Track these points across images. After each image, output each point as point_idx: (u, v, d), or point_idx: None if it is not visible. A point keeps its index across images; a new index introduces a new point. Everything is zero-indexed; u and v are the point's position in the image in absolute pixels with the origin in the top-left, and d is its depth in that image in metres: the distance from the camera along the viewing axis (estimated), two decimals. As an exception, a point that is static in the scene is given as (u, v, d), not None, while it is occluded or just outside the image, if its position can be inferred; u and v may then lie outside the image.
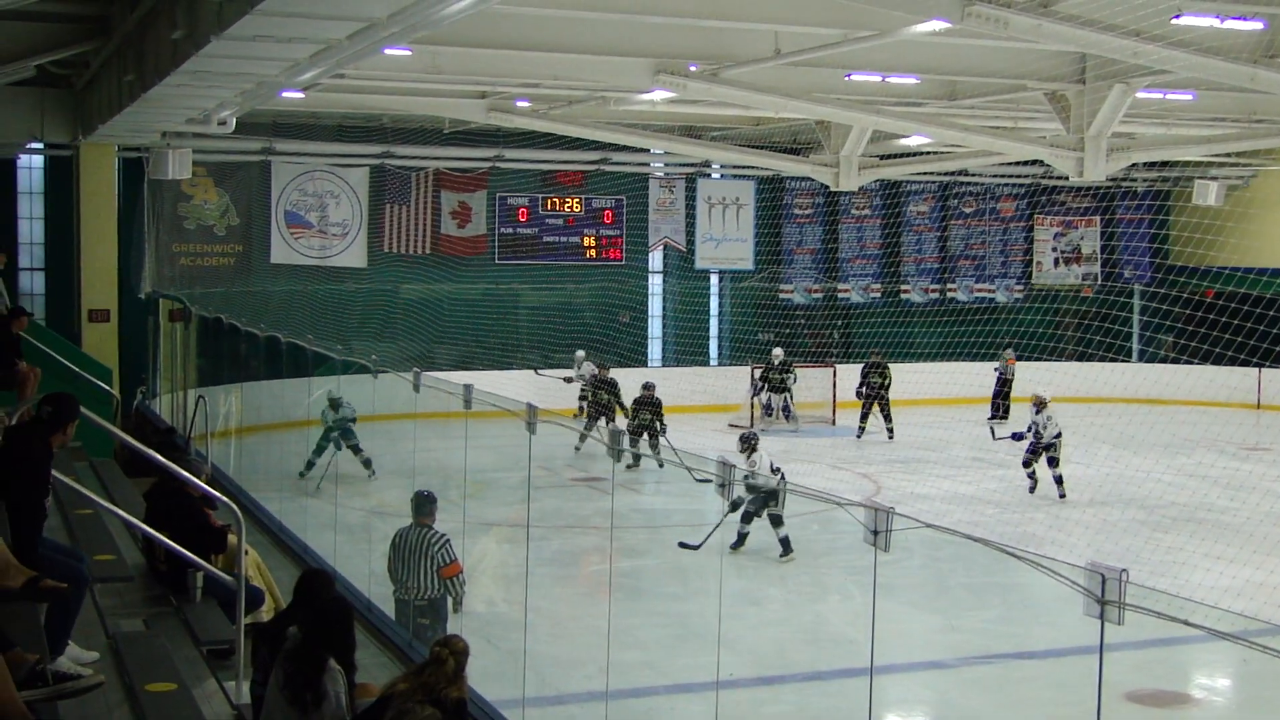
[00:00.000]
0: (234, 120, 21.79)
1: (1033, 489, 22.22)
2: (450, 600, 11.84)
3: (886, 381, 28.02)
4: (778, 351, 29.60)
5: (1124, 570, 5.26)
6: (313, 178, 31.23)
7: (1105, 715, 11.60)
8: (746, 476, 16.43)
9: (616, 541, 17.34)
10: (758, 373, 30.20)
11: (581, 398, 27.32)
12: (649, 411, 24.78)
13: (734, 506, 16.44)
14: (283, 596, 10.96)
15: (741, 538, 17.33)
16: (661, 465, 20.56)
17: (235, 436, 22.35)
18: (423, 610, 11.70)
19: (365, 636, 11.47)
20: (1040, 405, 22.53)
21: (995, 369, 30.99)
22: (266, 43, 12.42)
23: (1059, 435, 22.20)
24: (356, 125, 29.64)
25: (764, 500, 16.88)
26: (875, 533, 6.49)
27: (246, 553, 10.32)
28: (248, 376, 22.21)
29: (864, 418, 28.41)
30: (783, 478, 17.27)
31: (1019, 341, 31.98)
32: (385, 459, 18.49)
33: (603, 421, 25.38)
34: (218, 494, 10.92)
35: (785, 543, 17.12)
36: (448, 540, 11.76)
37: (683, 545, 16.70)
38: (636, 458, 21.98)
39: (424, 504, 11.97)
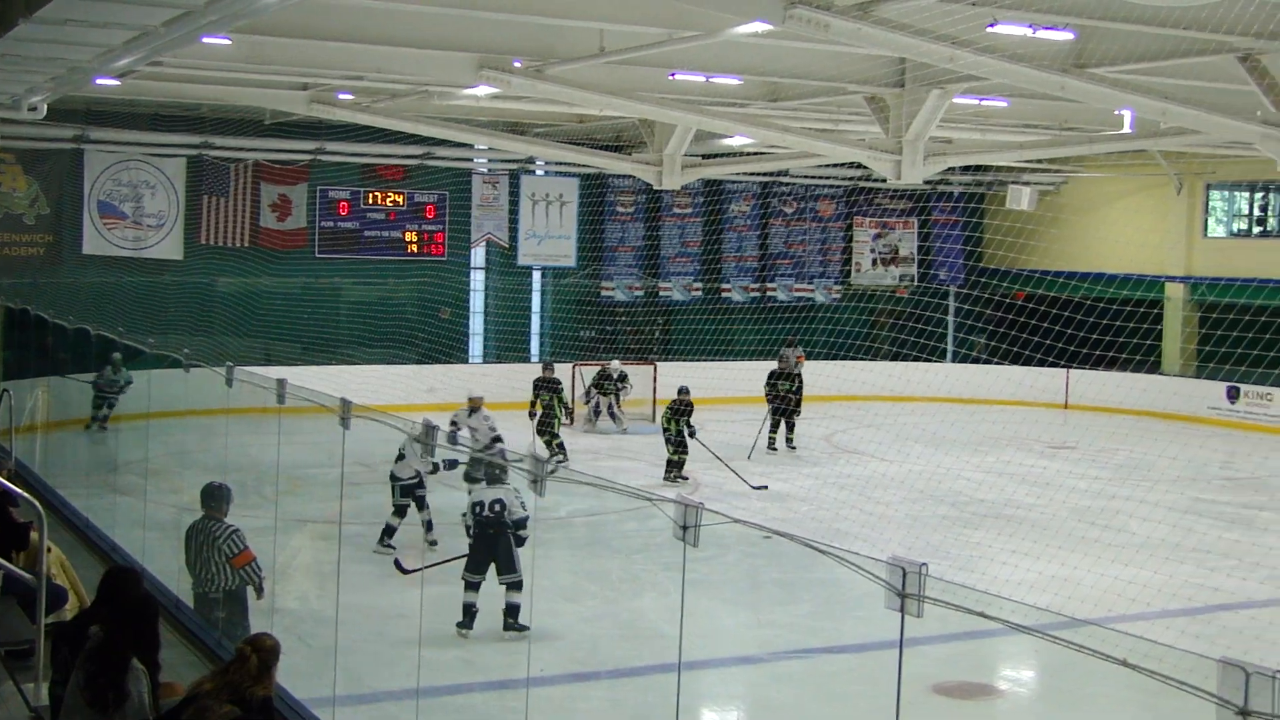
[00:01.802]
0: (45, 106, 21.16)
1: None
2: (251, 590, 11.61)
3: (797, 385, 27.16)
4: (616, 364, 29.52)
5: (924, 564, 5.35)
6: (128, 167, 30.50)
7: (913, 707, 11.86)
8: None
9: (437, 538, 17.28)
10: (587, 376, 30.16)
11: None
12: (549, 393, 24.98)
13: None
14: (89, 596, 10.69)
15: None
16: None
17: (41, 432, 21.75)
18: (219, 603, 11.47)
19: (174, 635, 11.25)
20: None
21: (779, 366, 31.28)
22: (78, 27, 12.06)
23: None
24: (174, 114, 29.00)
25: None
26: (685, 528, 6.51)
27: (49, 550, 10.03)
28: (55, 370, 21.63)
29: (774, 428, 26.89)
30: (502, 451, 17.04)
31: (836, 341, 32.49)
32: (198, 455, 18.11)
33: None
34: (19, 490, 10.60)
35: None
36: (236, 531, 11.51)
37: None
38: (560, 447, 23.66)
39: (213, 496, 11.70)
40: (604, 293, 35.20)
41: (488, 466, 14.24)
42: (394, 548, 16.79)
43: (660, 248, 35.78)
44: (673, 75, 19.75)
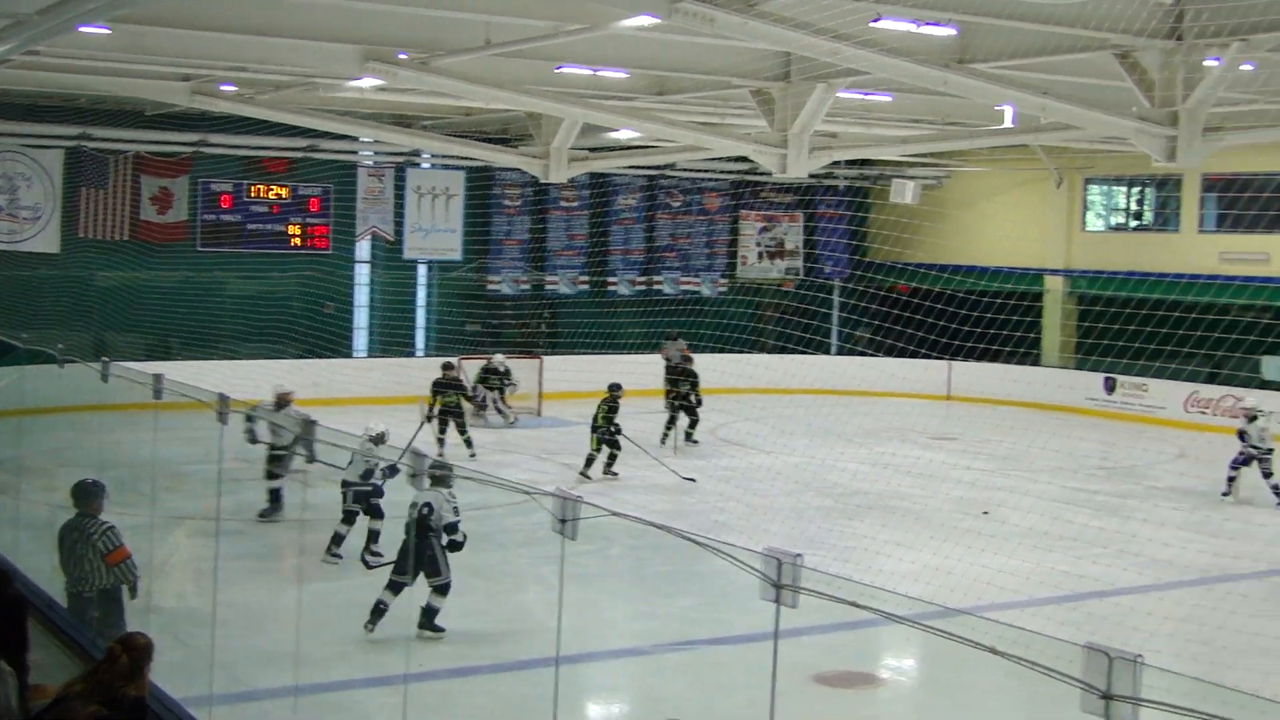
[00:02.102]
0: (-88, 94, 20.73)
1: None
2: (125, 589, 11.41)
3: (695, 382, 26.92)
4: (500, 358, 29.32)
5: (798, 555, 5.39)
6: (2, 159, 29.86)
7: (794, 697, 11.93)
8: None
9: (316, 534, 17.08)
10: (471, 371, 29.99)
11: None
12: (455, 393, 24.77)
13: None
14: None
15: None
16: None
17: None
18: (94, 602, 11.25)
19: (47, 636, 11.02)
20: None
21: (666, 358, 31.41)
22: (-55, 13, 11.81)
23: None
24: (52, 105, 28.46)
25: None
26: (563, 521, 6.51)
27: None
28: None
29: (671, 423, 26.50)
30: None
31: (722, 334, 32.64)
32: (73, 452, 17.80)
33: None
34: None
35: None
36: (110, 527, 11.30)
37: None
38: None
39: (86, 493, 11.47)
40: (490, 286, 35.06)
41: (434, 468, 13.67)
42: (341, 557, 16.32)
43: (546, 241, 35.72)
44: (559, 68, 19.73)
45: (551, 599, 14.80)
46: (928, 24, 15.46)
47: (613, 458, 22.98)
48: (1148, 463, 26.06)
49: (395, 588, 13.65)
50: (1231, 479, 22.59)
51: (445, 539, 13.65)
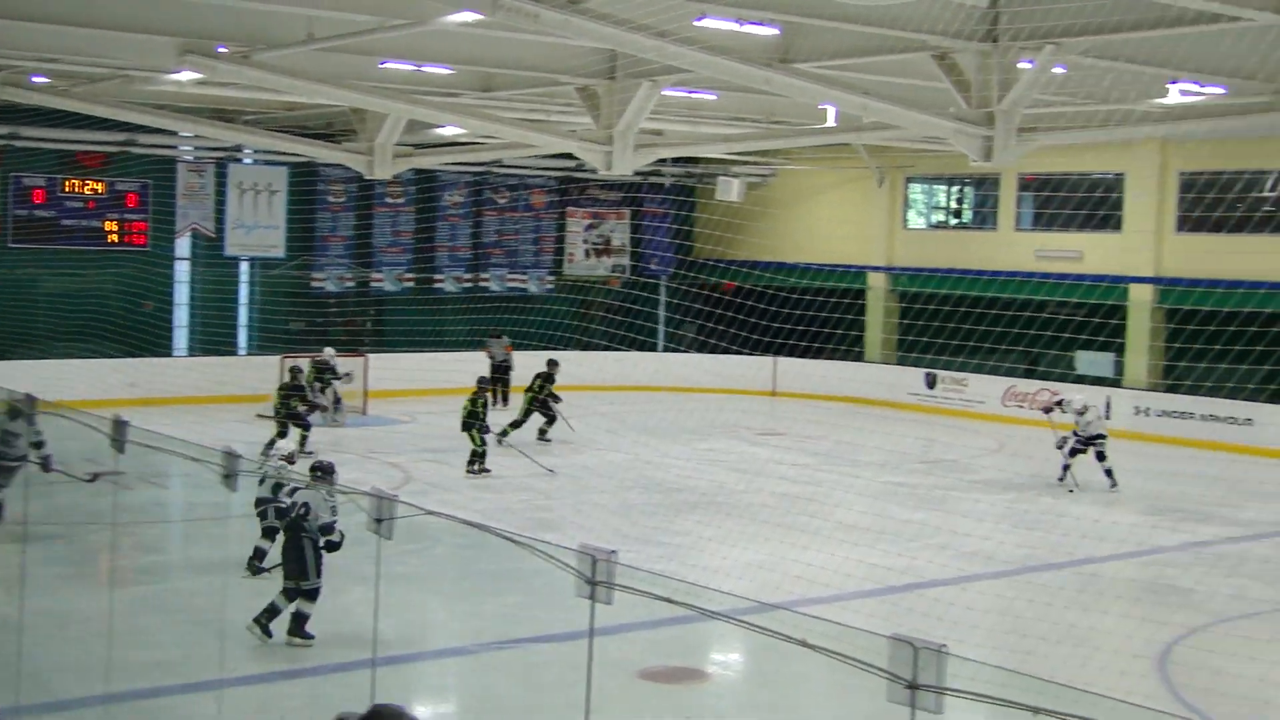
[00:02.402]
0: None
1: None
2: None
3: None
4: (330, 351, 28.90)
5: (613, 552, 5.39)
6: None
7: (618, 694, 11.98)
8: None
9: (134, 537, 16.70)
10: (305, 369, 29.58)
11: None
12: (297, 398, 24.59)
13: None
14: None
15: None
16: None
17: None
18: None
19: None
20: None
21: (490, 355, 31.39)
22: None
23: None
24: None
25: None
26: (379, 520, 6.43)
27: None
28: None
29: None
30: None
31: (550, 333, 32.60)
32: None
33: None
34: None
35: None
36: None
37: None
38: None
39: None
40: (314, 283, 34.58)
41: (315, 468, 13.73)
42: (266, 570, 15.53)
43: (372, 238, 35.35)
44: (383, 64, 19.56)
45: (373, 599, 14.65)
46: (750, 23, 15.62)
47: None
48: (967, 456, 26.61)
49: (287, 593, 13.35)
50: (1067, 467, 23.30)
51: (321, 540, 13.30)
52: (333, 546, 13.36)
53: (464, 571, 16.23)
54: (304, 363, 27.14)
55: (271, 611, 13.28)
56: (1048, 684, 5.34)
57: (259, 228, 33.50)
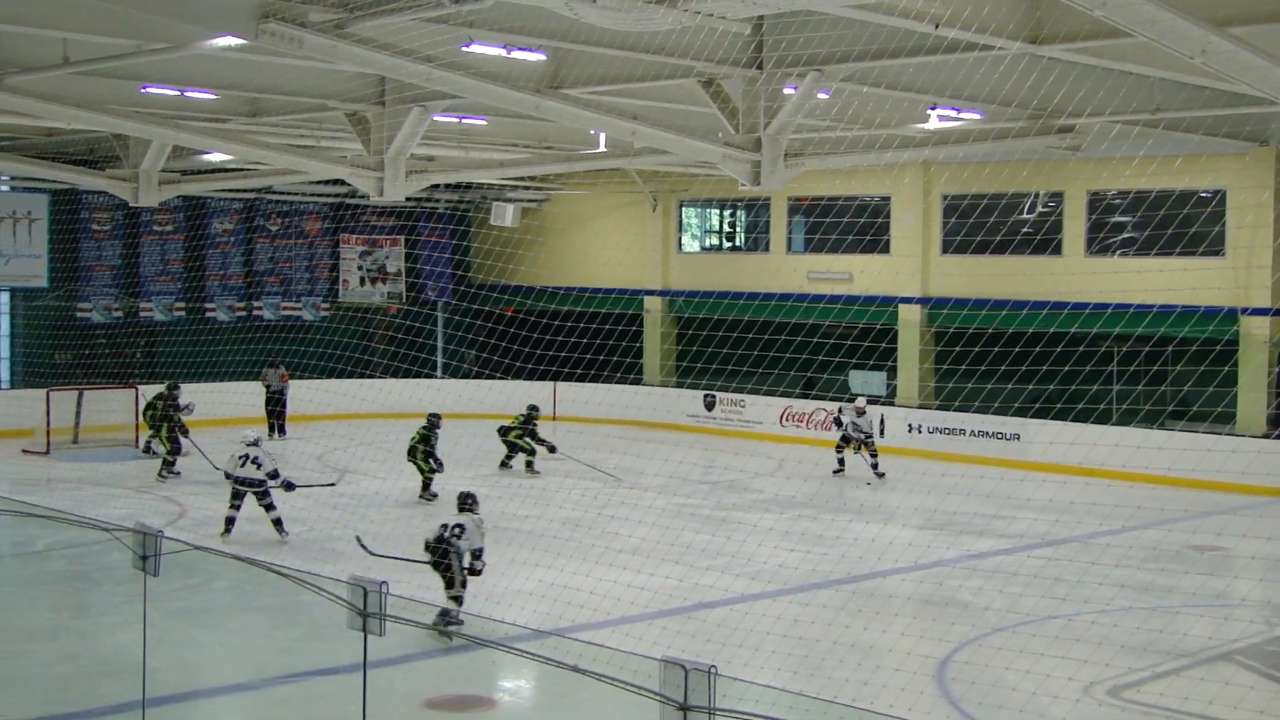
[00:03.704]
0: None
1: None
2: None
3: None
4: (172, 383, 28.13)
5: (384, 583, 5.33)
6: None
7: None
8: None
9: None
10: (63, 401, 28.66)
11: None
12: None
13: None
14: None
15: None
16: None
17: None
18: None
19: None
20: None
21: (265, 384, 31.02)
22: None
23: None
24: None
25: None
26: (144, 557, 6.27)
27: None
28: None
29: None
30: None
31: (327, 360, 32.24)
32: None
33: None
34: None
35: None
36: None
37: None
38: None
39: None
40: (80, 314, 33.59)
41: (463, 498, 15.57)
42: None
43: (140, 266, 34.48)
44: (145, 89, 19.12)
45: (152, 638, 14.28)
46: (518, 49, 15.67)
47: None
48: (747, 477, 26.95)
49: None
50: (842, 459, 26.55)
51: (469, 561, 14.99)
52: (475, 572, 15.01)
53: (242, 607, 15.89)
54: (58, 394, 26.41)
55: (446, 614, 14.46)
56: (829, 704, 5.43)
57: (19, 257, 32.34)
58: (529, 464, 26.82)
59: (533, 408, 27.36)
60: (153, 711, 10.30)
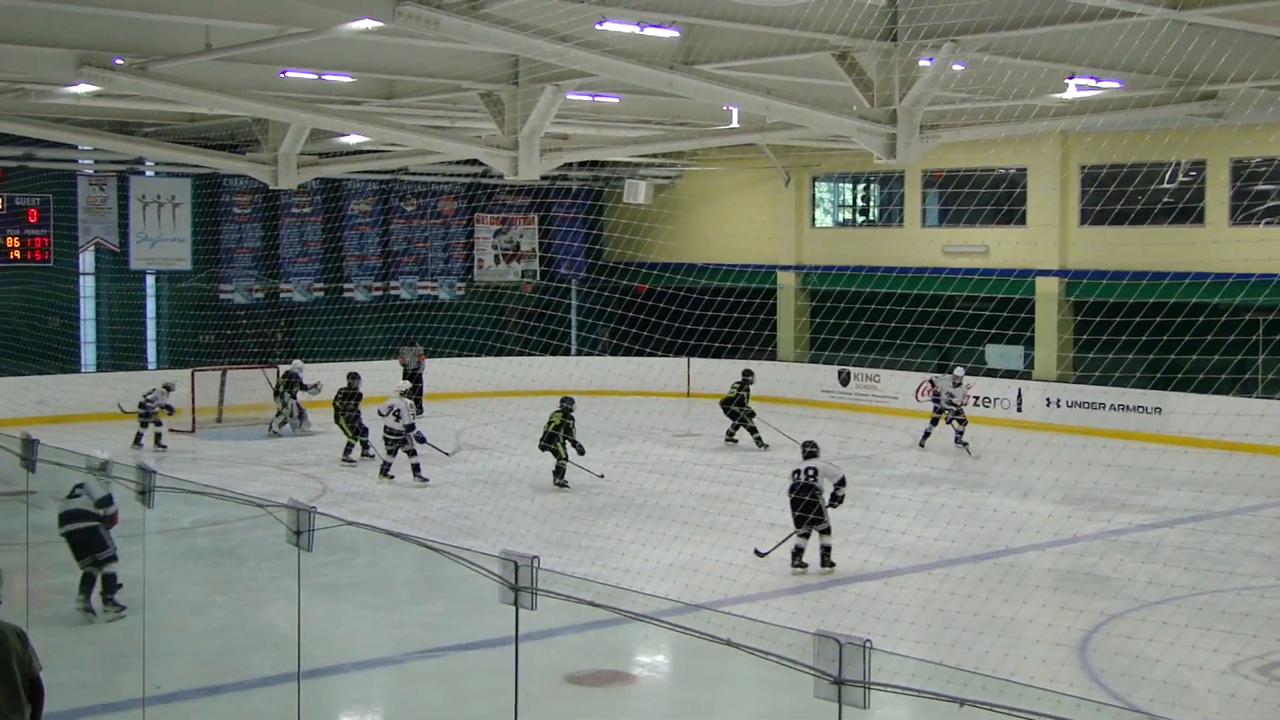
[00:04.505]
0: None
1: None
2: None
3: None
4: (297, 362, 28.76)
5: (536, 557, 5.38)
6: None
7: (546, 699, 11.99)
8: None
9: (44, 558, 16.43)
10: (209, 382, 29.38)
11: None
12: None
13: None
14: None
15: None
16: None
17: None
18: None
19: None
20: None
21: (403, 363, 31.46)
22: None
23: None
24: None
25: None
26: (298, 533, 6.39)
27: None
28: None
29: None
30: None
31: (462, 338, 32.56)
32: None
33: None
34: None
35: None
36: None
37: (756, 553, 17.31)
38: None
39: None
40: (223, 295, 34.28)
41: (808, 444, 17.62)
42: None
43: (280, 248, 35.06)
44: (284, 73, 19.41)
45: (295, 612, 14.56)
46: (651, 26, 15.66)
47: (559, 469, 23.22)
48: (883, 451, 26.82)
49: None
50: (928, 433, 26.71)
51: (839, 492, 17.22)
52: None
53: (385, 581, 16.14)
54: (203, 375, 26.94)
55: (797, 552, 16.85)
56: (972, 675, 5.40)
57: (164, 240, 33.11)
58: (757, 439, 26.96)
59: (747, 373, 27.69)
60: (304, 684, 10.52)
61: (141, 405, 26.28)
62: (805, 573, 16.80)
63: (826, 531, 17.05)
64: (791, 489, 17.16)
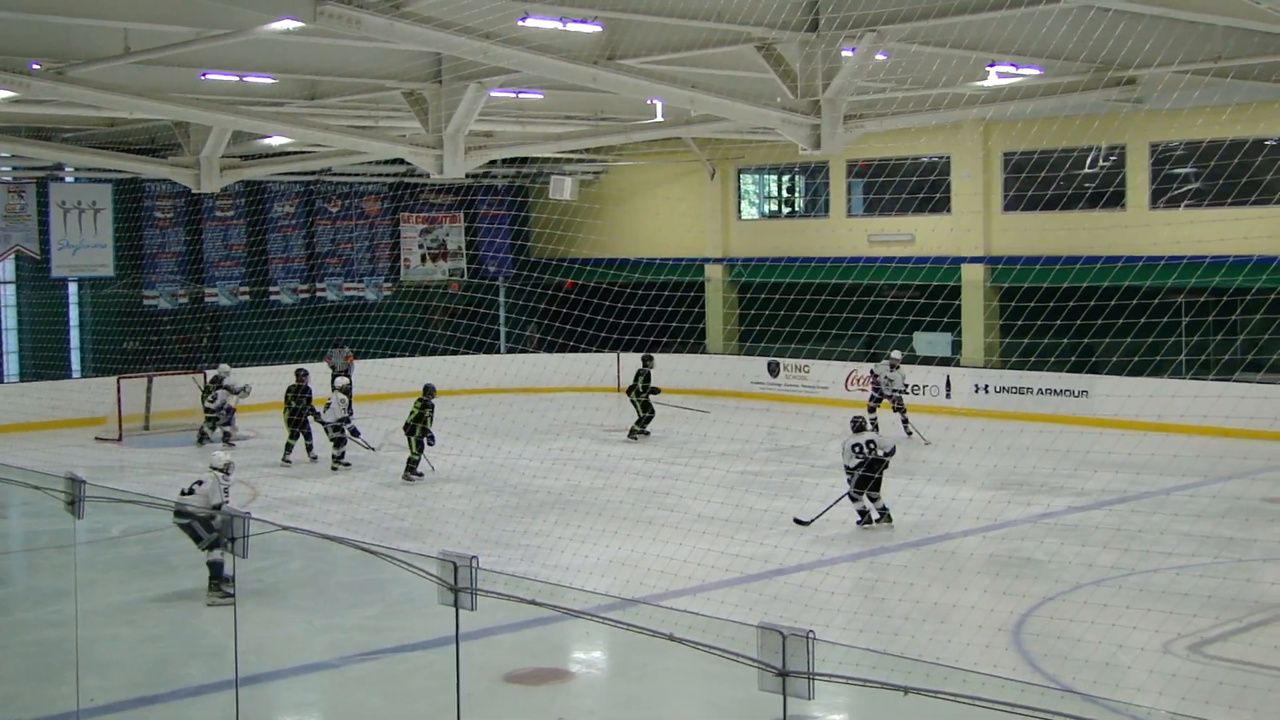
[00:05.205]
0: None
1: None
2: None
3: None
4: (224, 366, 28.42)
5: (474, 557, 5.35)
6: None
7: (484, 698, 11.94)
8: None
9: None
10: (133, 389, 29.01)
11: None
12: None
13: None
14: None
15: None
16: None
17: None
18: None
19: None
20: None
21: (331, 365, 31.23)
22: None
23: None
24: None
25: None
26: (231, 539, 6.32)
27: None
28: None
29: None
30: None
31: (390, 339, 32.40)
32: None
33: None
34: None
35: None
36: None
37: (796, 521, 18.84)
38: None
39: None
40: (147, 301, 33.92)
41: None
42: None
43: (203, 252, 34.76)
44: (204, 75, 19.24)
45: (229, 618, 14.42)
46: (573, 21, 15.68)
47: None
48: (814, 442, 26.90)
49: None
50: (874, 421, 25.49)
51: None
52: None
53: (320, 585, 16.01)
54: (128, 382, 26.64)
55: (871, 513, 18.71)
56: (916, 663, 5.42)
57: (85, 247, 32.71)
58: (640, 428, 27.45)
59: (646, 357, 28.04)
60: (242, 691, 10.42)
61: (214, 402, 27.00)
62: (875, 528, 18.60)
63: (878, 495, 18.82)
64: (860, 465, 18.57)
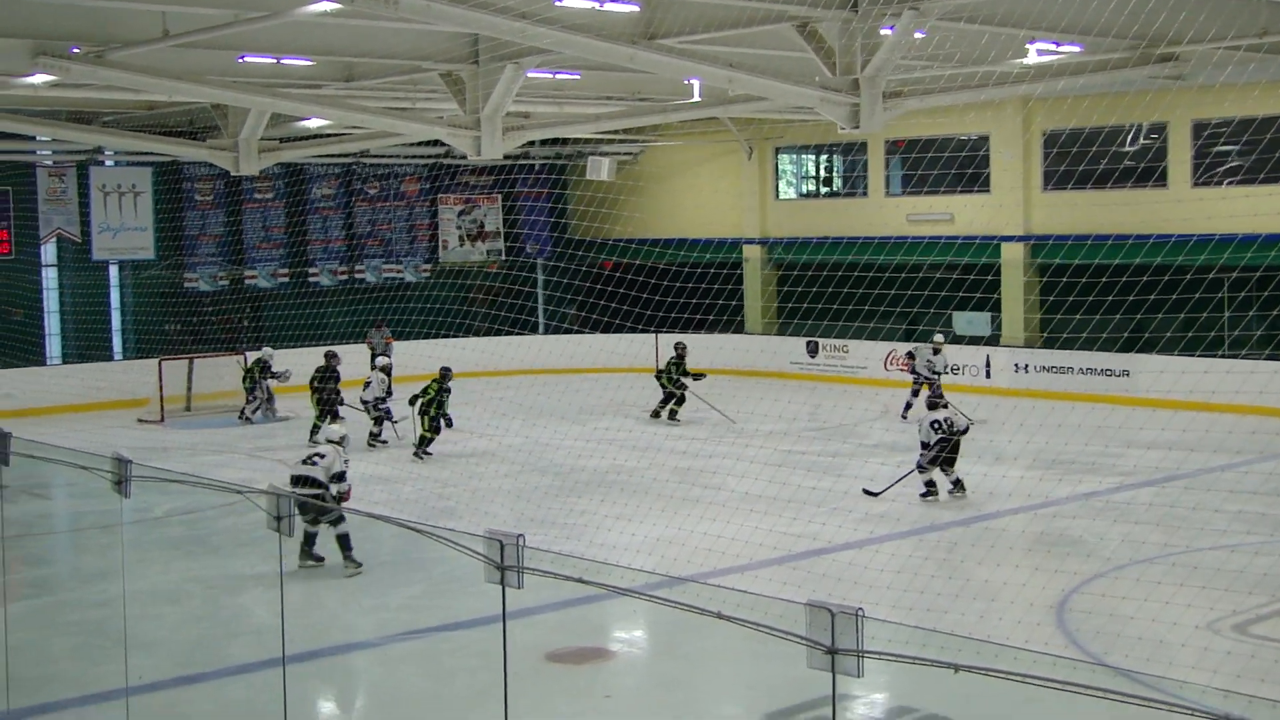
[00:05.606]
0: None
1: None
2: None
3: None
4: (268, 349, 28.69)
5: (520, 536, 5.37)
6: None
7: (527, 677, 11.98)
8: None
9: (21, 550, 16.39)
10: (178, 371, 29.22)
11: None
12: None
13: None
14: None
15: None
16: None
17: None
18: None
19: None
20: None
21: (370, 346, 31.39)
22: None
23: None
24: None
25: None
26: (279, 519, 6.36)
27: None
28: None
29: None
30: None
31: (429, 320, 32.47)
32: None
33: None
34: None
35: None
36: None
37: (866, 492, 19.43)
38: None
39: None
40: (187, 284, 34.10)
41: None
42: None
43: (243, 235, 34.90)
44: (242, 58, 19.28)
45: (272, 598, 14.50)
46: (611, 1, 15.65)
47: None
48: (854, 421, 26.88)
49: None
50: (910, 404, 26.52)
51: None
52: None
53: (366, 564, 16.06)
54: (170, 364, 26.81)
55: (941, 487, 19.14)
56: (966, 640, 5.41)
57: (126, 230, 32.90)
58: (673, 411, 27.33)
59: (679, 344, 27.82)
60: (287, 670, 10.48)
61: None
62: (940, 501, 19.15)
63: (952, 470, 19.38)
64: (941, 441, 19.06)
